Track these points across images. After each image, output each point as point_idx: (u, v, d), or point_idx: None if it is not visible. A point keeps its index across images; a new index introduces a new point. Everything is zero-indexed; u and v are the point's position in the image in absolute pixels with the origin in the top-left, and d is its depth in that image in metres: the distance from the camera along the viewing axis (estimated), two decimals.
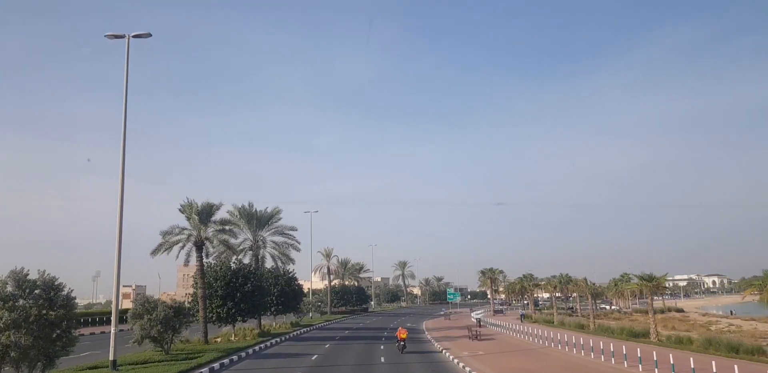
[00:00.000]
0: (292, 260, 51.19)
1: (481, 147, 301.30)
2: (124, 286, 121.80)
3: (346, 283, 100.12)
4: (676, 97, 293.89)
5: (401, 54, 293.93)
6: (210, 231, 36.37)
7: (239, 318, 38.95)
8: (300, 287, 57.06)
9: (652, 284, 35.22)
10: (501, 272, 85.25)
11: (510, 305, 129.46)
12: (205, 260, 37.33)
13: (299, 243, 50.66)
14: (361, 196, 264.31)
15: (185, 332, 34.51)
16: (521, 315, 59.11)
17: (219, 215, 37.75)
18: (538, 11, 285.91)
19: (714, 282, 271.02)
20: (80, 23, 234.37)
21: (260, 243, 48.33)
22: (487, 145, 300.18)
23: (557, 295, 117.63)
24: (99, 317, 59.86)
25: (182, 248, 35.83)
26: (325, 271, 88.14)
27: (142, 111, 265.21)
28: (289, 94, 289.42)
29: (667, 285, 38.32)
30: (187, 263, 36.55)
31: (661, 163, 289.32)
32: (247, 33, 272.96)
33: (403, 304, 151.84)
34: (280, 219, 49.12)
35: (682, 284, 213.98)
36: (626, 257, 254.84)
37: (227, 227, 37.12)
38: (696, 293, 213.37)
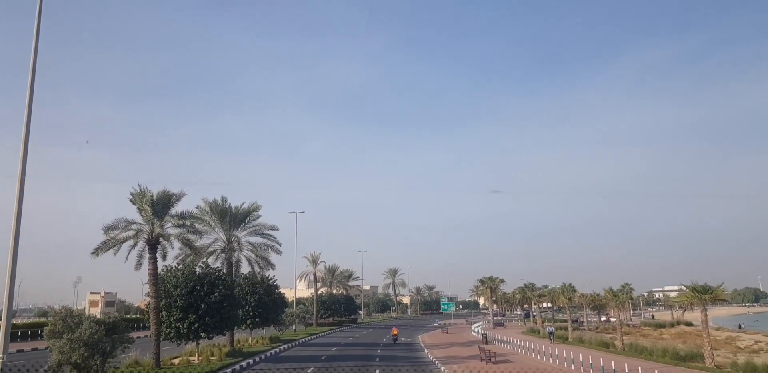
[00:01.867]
0: (272, 265, 44.13)
1: (471, 154, 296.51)
2: (92, 292, 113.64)
3: (334, 291, 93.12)
4: (668, 106, 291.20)
5: (391, 60, 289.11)
6: (168, 227, 29.50)
7: (203, 335, 31.88)
8: (282, 295, 50.07)
9: (708, 296, 28.77)
10: (502, 281, 78.82)
11: (504, 315, 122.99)
12: (162, 262, 30.49)
13: (280, 245, 43.54)
14: (350, 202, 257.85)
15: (134, 352, 27.73)
16: (550, 333, 46.61)
17: (183, 208, 31.04)
18: (530, 19, 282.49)
19: None
20: (72, 25, 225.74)
21: (234, 244, 41.33)
22: (478, 152, 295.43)
23: (549, 305, 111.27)
24: None
25: (133, 246, 29.00)
26: (311, 278, 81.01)
27: (137, 115, 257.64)
28: (278, 99, 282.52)
29: (724, 297, 31.78)
30: (138, 266, 29.47)
31: (652, 173, 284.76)
32: (235, 37, 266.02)
33: (394, 314, 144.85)
34: (258, 217, 42.15)
35: (673, 294, 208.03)
36: (613, 267, 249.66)
37: (188, 222, 30.10)
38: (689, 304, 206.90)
